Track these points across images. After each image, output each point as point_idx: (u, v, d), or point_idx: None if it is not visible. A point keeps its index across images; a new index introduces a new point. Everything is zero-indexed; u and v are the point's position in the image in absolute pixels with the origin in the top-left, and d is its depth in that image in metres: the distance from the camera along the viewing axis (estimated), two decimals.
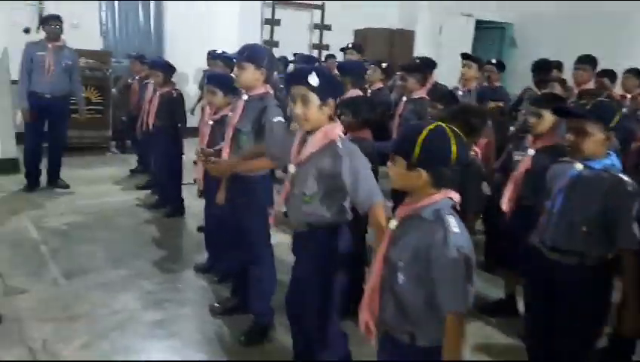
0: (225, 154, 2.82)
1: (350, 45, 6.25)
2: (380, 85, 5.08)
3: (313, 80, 1.94)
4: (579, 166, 2.18)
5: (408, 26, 9.10)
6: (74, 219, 4.53)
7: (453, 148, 1.51)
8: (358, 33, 8.83)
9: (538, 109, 2.78)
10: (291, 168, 2.12)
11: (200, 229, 4.27)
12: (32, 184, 5.26)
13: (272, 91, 2.81)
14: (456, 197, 1.56)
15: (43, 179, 5.35)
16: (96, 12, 7.37)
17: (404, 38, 8.93)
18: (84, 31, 6.99)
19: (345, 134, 2.14)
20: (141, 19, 7.89)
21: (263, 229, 2.80)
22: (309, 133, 2.08)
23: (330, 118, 2.07)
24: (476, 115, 2.72)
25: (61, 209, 4.78)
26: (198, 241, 4.00)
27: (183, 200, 4.88)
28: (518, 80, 8.77)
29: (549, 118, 2.74)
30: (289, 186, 2.15)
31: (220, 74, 4.05)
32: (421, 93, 4.28)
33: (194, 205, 4.70)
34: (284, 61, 6.91)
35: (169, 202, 4.87)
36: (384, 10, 8.95)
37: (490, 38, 10.34)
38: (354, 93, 4.01)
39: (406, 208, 1.60)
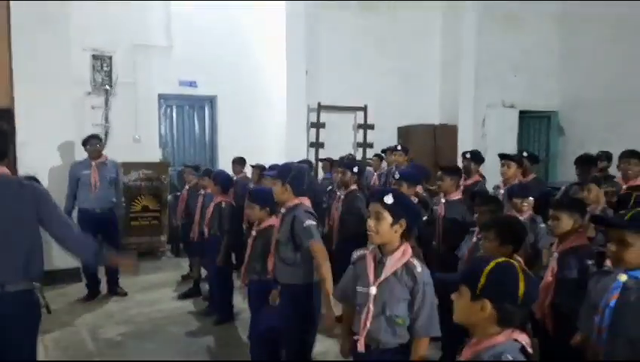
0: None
1: (399, 147, 6.50)
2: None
3: (388, 199, 2.12)
4: (623, 277, 2.12)
5: (450, 120, 9.28)
6: (127, 328, 4.67)
7: (521, 284, 1.46)
8: (400, 130, 9.09)
9: (556, 212, 2.87)
10: (372, 290, 2.15)
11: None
12: (92, 292, 5.49)
13: (306, 202, 3.03)
14: (524, 339, 1.48)
15: (103, 286, 5.57)
16: (156, 127, 8.01)
17: (446, 132, 9.07)
18: (145, 144, 7.62)
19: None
20: (197, 131, 8.50)
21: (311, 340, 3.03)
22: (382, 254, 2.17)
23: (403, 238, 2.17)
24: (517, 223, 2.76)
25: (116, 318, 4.94)
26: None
27: (232, 306, 4.94)
28: (568, 167, 8.64)
29: (566, 221, 2.84)
30: (372, 309, 2.15)
31: (258, 189, 4.24)
32: (457, 194, 4.28)
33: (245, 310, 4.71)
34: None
35: (219, 309, 4.94)
36: (425, 106, 9.24)
37: (536, 127, 10.31)
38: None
39: (470, 350, 1.53)
